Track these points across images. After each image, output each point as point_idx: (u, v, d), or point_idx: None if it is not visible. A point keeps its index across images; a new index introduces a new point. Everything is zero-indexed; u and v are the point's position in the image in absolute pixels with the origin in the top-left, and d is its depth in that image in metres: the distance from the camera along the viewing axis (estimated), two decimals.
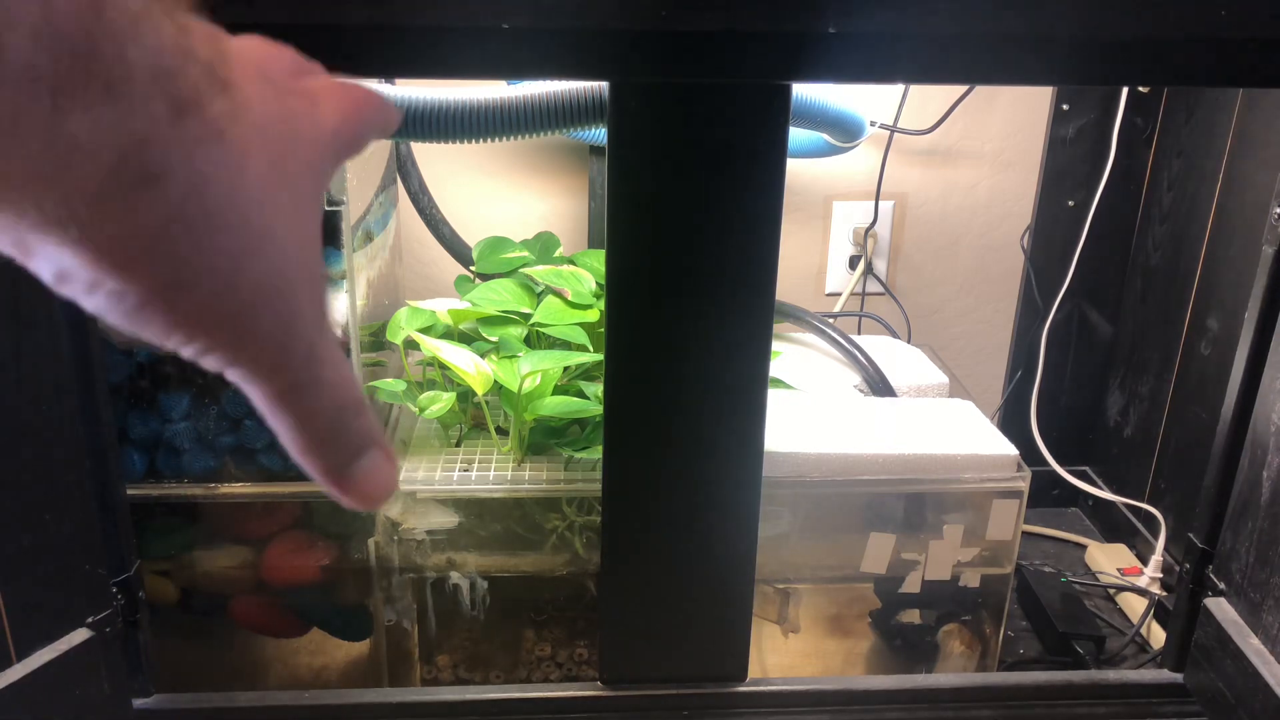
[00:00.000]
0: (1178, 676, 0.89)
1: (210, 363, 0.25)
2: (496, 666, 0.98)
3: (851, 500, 0.93)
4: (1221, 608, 0.85)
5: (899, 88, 1.20)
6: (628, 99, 0.65)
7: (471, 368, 0.90)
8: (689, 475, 0.76)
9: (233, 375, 0.25)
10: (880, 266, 1.30)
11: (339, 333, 0.87)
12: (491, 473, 0.92)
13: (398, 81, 0.90)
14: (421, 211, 1.14)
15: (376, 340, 0.96)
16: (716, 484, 0.76)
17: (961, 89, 1.19)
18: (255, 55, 0.28)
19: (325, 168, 0.28)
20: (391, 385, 0.94)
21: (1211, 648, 0.85)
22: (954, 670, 0.99)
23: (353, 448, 0.28)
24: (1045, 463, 1.27)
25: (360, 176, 0.90)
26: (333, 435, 0.27)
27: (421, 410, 0.91)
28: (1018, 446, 0.94)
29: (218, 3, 0.25)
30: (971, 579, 0.96)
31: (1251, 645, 0.81)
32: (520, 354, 0.92)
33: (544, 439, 0.95)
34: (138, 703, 0.83)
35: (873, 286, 1.30)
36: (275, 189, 0.25)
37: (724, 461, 0.75)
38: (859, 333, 1.29)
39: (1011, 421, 1.30)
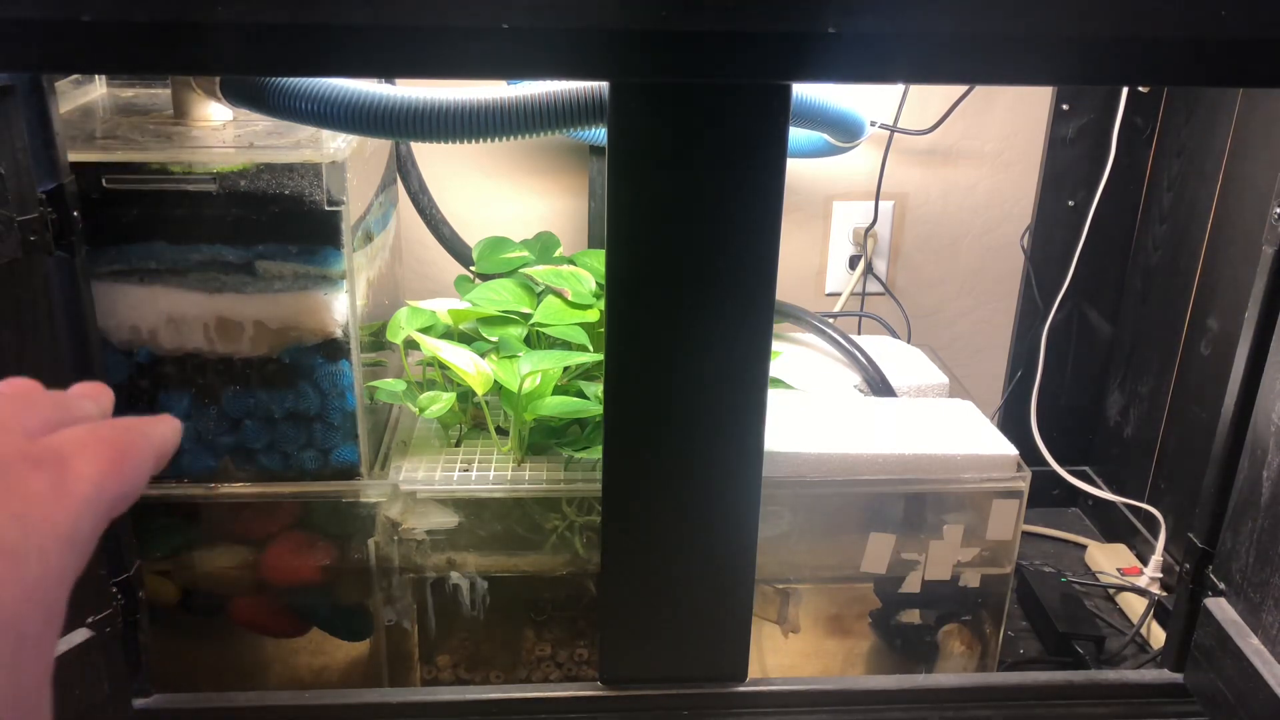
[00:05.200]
0: (1178, 676, 0.89)
1: None
2: (496, 666, 0.98)
3: (851, 500, 0.93)
4: (1221, 608, 0.85)
5: (899, 88, 1.20)
6: (628, 99, 0.65)
7: (471, 368, 0.90)
8: (689, 475, 0.76)
9: None
10: (880, 266, 1.30)
11: (339, 333, 0.87)
12: (491, 473, 0.92)
13: (398, 81, 0.90)
14: (421, 211, 1.14)
15: (376, 340, 0.96)
16: (716, 484, 0.76)
17: (961, 89, 1.19)
18: None
19: (79, 538, 0.26)
20: (391, 385, 0.94)
21: (1211, 648, 0.85)
22: (954, 670, 0.99)
23: None
24: (1045, 463, 1.27)
25: (360, 176, 0.90)
26: None
27: (421, 410, 0.91)
28: (1018, 446, 0.94)
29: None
30: (971, 579, 0.96)
31: (1251, 645, 0.81)
32: (520, 354, 0.92)
33: (544, 439, 0.95)
34: (138, 703, 0.83)
35: (873, 286, 1.30)
36: None
37: (724, 461, 0.75)
38: (859, 333, 1.29)
39: (1011, 421, 1.30)
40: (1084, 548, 1.27)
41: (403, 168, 1.11)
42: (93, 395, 0.32)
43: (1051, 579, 1.16)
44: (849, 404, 1.02)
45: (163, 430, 0.31)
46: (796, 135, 1.05)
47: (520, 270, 1.02)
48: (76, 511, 0.26)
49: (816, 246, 1.29)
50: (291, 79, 0.77)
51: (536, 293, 0.99)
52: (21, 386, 0.30)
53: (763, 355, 0.73)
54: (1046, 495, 1.33)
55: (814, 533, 0.94)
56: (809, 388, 1.05)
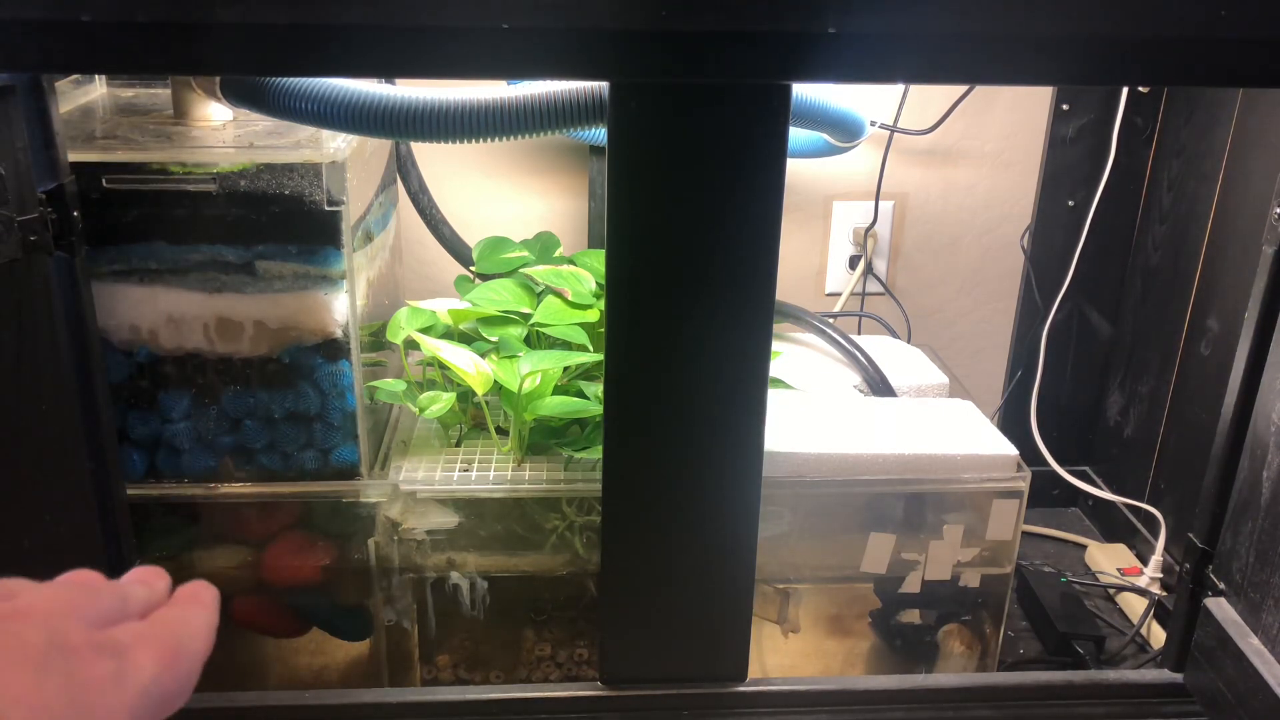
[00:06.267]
0: (1178, 676, 0.89)
1: None
2: (496, 666, 0.98)
3: (851, 500, 0.93)
4: (1221, 608, 0.85)
5: (899, 88, 1.20)
6: (628, 99, 0.65)
7: (471, 368, 0.90)
8: (689, 475, 0.76)
9: None
10: (880, 266, 1.30)
11: (339, 333, 0.87)
12: (491, 473, 0.92)
13: (398, 81, 0.90)
14: (421, 211, 1.14)
15: (376, 340, 0.96)
16: (716, 484, 0.76)
17: (961, 89, 1.19)
18: (47, 617, 0.27)
19: None
20: (391, 385, 0.94)
21: (1211, 648, 0.85)
22: (954, 670, 0.99)
23: None
24: (1045, 463, 1.27)
25: (360, 176, 0.90)
26: None
27: (421, 410, 0.91)
28: (1018, 446, 0.94)
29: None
30: (971, 579, 0.96)
31: (1251, 645, 0.81)
32: (520, 354, 0.92)
33: (544, 439, 0.95)
34: None
35: (873, 286, 1.30)
36: None
37: (724, 461, 0.75)
38: (859, 333, 1.29)
39: (1011, 421, 1.30)
40: (1084, 548, 1.27)
41: (403, 168, 1.11)
42: (147, 581, 0.34)
43: (1051, 579, 1.16)
44: (849, 404, 1.02)
45: (205, 620, 0.34)
46: (796, 135, 1.05)
47: (520, 270, 1.02)
48: (135, 700, 0.28)
49: (816, 246, 1.29)
50: (291, 79, 0.77)
51: (536, 293, 0.99)
52: (85, 578, 0.32)
53: (763, 355, 0.73)
54: (1046, 495, 1.33)
55: (814, 533, 0.94)
56: (809, 388, 1.05)
